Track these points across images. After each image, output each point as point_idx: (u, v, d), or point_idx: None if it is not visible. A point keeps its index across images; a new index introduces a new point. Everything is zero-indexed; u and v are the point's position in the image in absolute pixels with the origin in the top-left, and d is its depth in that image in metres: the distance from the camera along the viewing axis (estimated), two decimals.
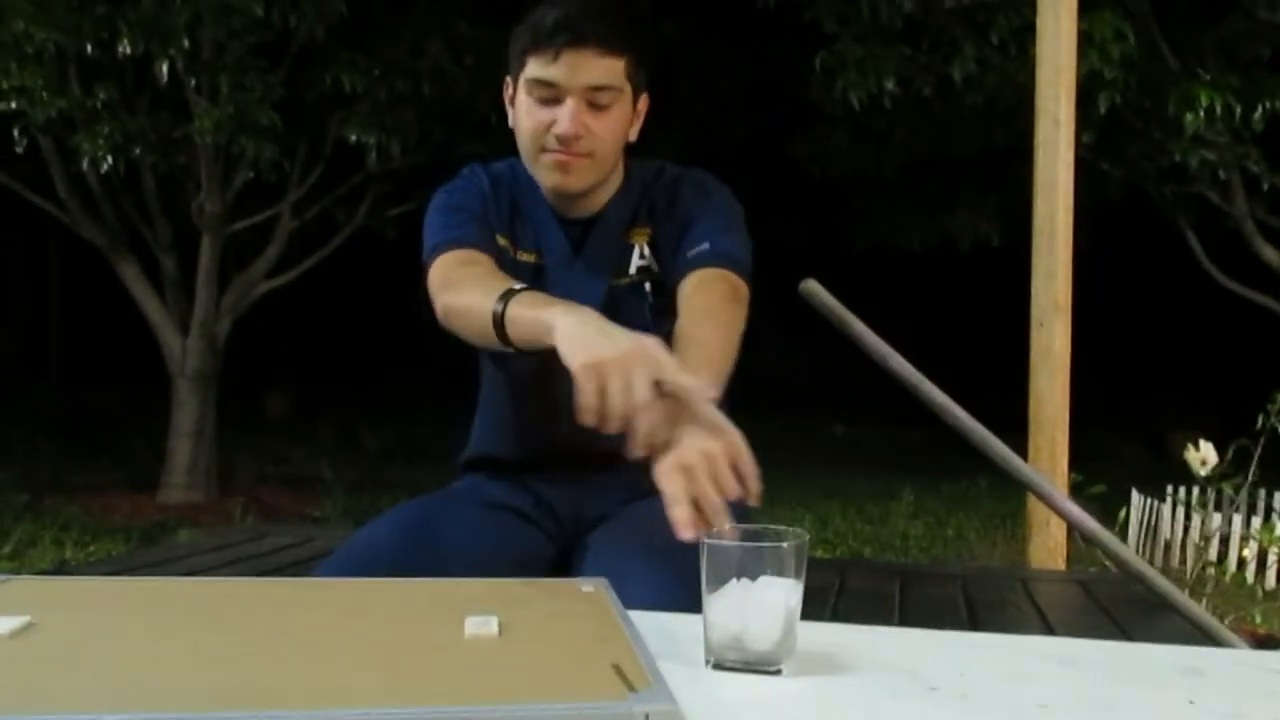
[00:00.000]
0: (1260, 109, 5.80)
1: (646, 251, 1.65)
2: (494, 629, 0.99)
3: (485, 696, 0.80)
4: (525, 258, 1.66)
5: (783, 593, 0.99)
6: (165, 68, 6.05)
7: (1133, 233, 9.18)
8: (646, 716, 0.78)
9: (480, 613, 1.02)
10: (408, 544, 1.49)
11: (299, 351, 14.24)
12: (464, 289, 1.49)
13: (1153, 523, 6.27)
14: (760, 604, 0.98)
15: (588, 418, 1.19)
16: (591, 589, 1.20)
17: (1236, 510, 5.10)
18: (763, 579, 0.98)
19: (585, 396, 1.19)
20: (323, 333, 14.31)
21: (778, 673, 0.97)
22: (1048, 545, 2.57)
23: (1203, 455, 2.85)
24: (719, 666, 0.98)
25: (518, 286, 1.41)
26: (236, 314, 7.98)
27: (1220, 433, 3.21)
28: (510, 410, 1.71)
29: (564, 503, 1.66)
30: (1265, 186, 6.97)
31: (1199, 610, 1.88)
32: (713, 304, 1.51)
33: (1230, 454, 3.01)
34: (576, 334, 1.24)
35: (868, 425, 13.48)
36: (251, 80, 6.23)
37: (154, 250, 7.99)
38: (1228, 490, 3.10)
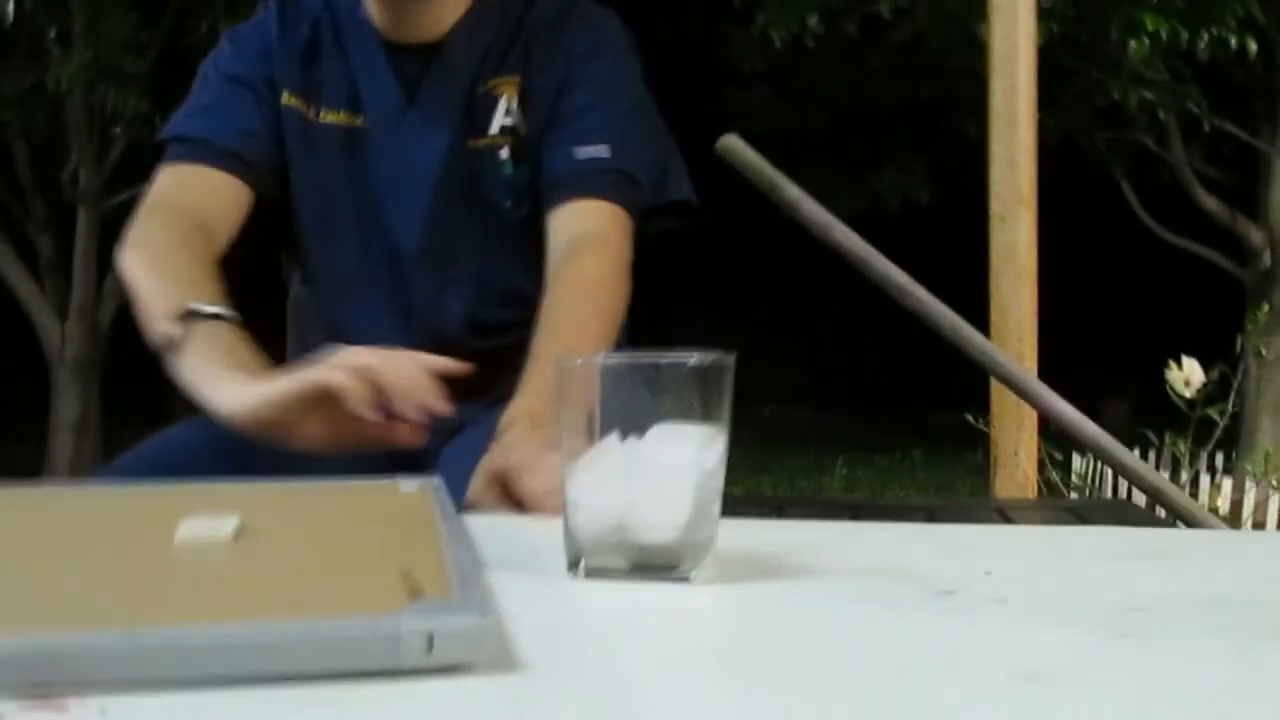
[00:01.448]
0: (1206, 36, 5.55)
1: (514, 106, 1.23)
2: (226, 532, 0.65)
3: (159, 614, 0.51)
4: (331, 119, 1.23)
5: (691, 447, 0.59)
6: (11, 7, 5.48)
7: (1063, 186, 9.03)
8: (431, 637, 0.45)
9: (216, 514, 0.67)
10: (195, 455, 1.09)
11: None
12: (151, 265, 1.08)
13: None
14: (653, 467, 0.59)
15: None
16: (415, 489, 0.83)
17: (1190, 466, 4.90)
18: (656, 429, 0.59)
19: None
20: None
21: (684, 580, 0.58)
22: (1016, 479, 2.20)
23: (1186, 374, 2.52)
24: (592, 574, 0.59)
25: (206, 310, 1.00)
26: (122, 298, 7.41)
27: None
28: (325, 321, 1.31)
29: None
30: (1207, 128, 6.75)
31: (1218, 523, 1.55)
32: (591, 279, 1.13)
33: (1215, 377, 2.69)
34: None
35: (799, 405, 13.33)
36: (113, 22, 5.66)
37: (27, 229, 7.38)
38: (1211, 413, 2.79)
